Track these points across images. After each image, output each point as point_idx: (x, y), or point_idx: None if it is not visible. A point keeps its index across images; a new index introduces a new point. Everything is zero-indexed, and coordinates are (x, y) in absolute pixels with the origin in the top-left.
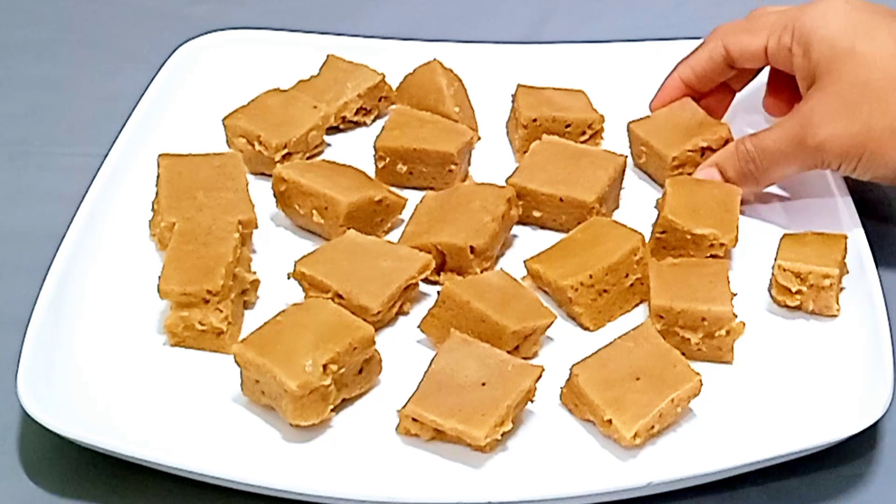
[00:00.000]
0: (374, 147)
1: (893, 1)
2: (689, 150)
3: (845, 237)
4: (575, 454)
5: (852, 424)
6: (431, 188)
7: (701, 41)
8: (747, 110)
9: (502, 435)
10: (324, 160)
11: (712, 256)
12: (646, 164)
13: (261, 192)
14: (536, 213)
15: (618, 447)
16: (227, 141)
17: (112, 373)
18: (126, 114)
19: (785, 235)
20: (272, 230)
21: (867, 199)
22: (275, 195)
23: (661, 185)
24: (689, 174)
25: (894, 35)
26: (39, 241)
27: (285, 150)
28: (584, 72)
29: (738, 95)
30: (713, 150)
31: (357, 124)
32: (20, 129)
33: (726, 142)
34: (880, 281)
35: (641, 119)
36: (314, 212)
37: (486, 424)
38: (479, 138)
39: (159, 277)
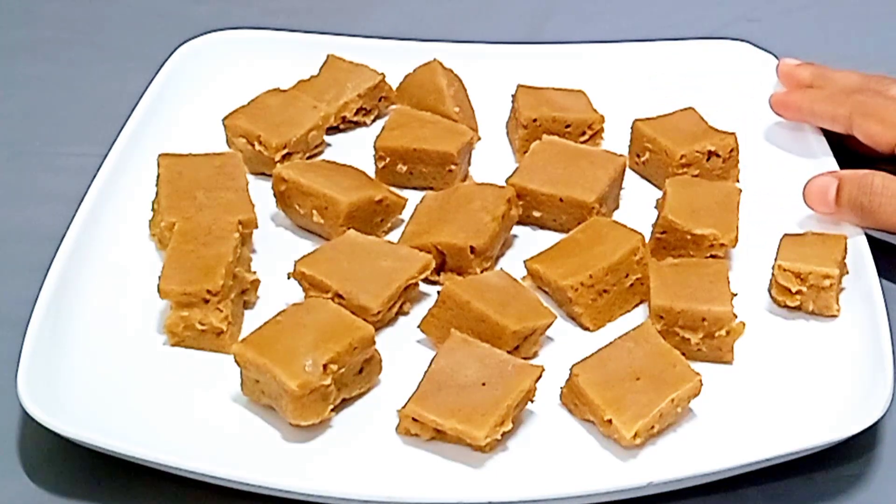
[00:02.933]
0: (374, 147)
1: None
2: (697, 151)
3: (845, 237)
4: (575, 454)
5: (852, 425)
6: (431, 188)
7: (704, 41)
8: (759, 117)
9: (502, 435)
10: (324, 160)
11: (712, 256)
12: (647, 163)
13: (261, 192)
14: (536, 213)
15: (618, 447)
16: (227, 141)
17: (112, 373)
18: (126, 113)
19: (785, 235)
20: (272, 230)
21: None
22: (275, 195)
23: (659, 187)
24: (694, 176)
25: None
26: (39, 241)
27: (285, 150)
28: (584, 72)
29: (750, 110)
30: (719, 156)
31: (357, 124)
32: (20, 129)
33: (732, 150)
34: (880, 281)
35: (647, 119)
36: (314, 212)
37: (486, 424)
38: (479, 138)
39: (159, 277)
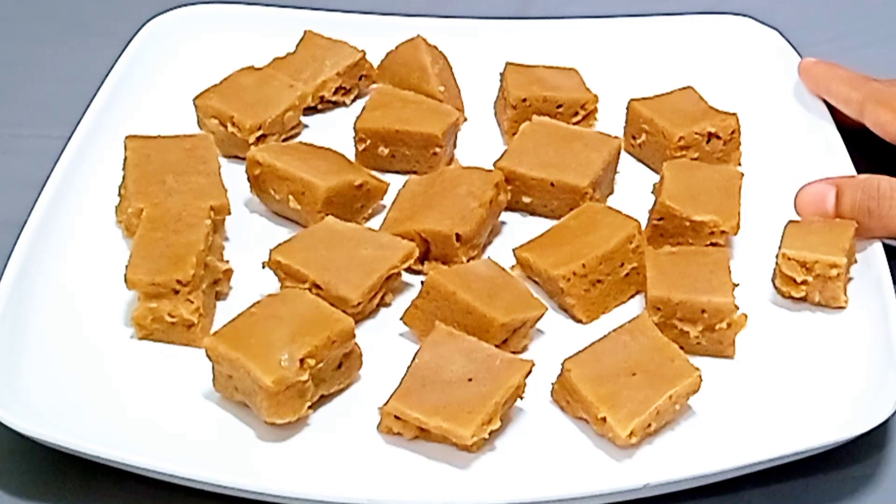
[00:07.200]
0: (355, 128)
1: None
2: (696, 133)
3: (854, 224)
4: (567, 454)
5: (860, 423)
6: (415, 172)
7: (703, 16)
8: (762, 96)
9: (490, 434)
10: (301, 142)
11: (712, 244)
12: (643, 145)
13: (234, 176)
14: (526, 199)
15: (612, 447)
16: (199, 122)
17: (76, 368)
18: (91, 93)
19: (790, 222)
20: (246, 216)
21: None
22: (249, 179)
23: (657, 170)
24: (693, 159)
25: None
26: None
27: (260, 132)
28: (576, 49)
29: (752, 89)
30: (719, 138)
31: (336, 104)
32: None
33: (734, 132)
34: (890, 270)
35: (644, 98)
36: (290, 197)
37: (472, 422)
38: (466, 119)
39: (126, 266)
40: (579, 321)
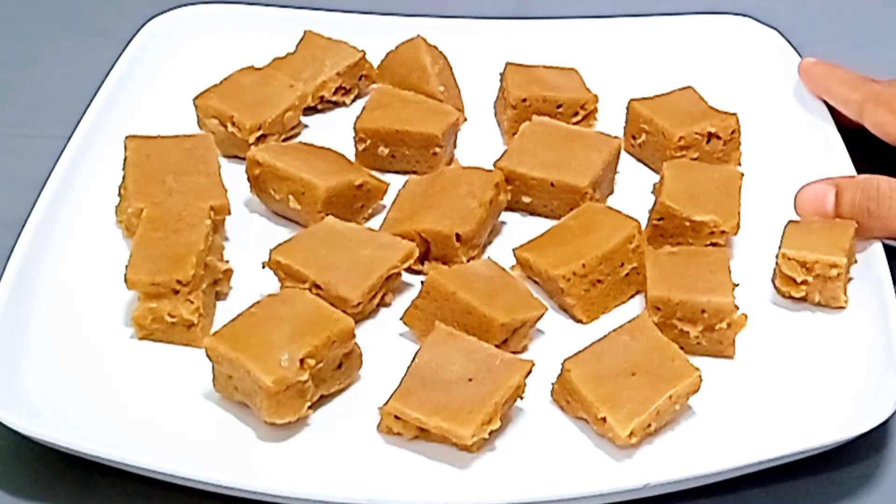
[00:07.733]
0: (355, 128)
1: None
2: (697, 133)
3: (854, 224)
4: (567, 454)
5: (860, 423)
6: (415, 172)
7: (703, 16)
8: (762, 96)
9: (490, 434)
10: (301, 142)
11: (712, 244)
12: (643, 145)
13: (234, 176)
14: (526, 199)
15: (612, 447)
16: (199, 122)
17: (77, 368)
18: (91, 93)
19: (790, 222)
20: (246, 216)
21: None
22: (249, 179)
23: (656, 171)
24: (693, 159)
25: None
26: None
27: (260, 132)
28: (576, 49)
29: (752, 89)
30: (719, 138)
31: (336, 104)
32: None
33: (734, 131)
34: (890, 270)
35: (644, 98)
36: (290, 197)
37: (472, 422)
38: (466, 119)
39: (126, 266)
40: (579, 321)
